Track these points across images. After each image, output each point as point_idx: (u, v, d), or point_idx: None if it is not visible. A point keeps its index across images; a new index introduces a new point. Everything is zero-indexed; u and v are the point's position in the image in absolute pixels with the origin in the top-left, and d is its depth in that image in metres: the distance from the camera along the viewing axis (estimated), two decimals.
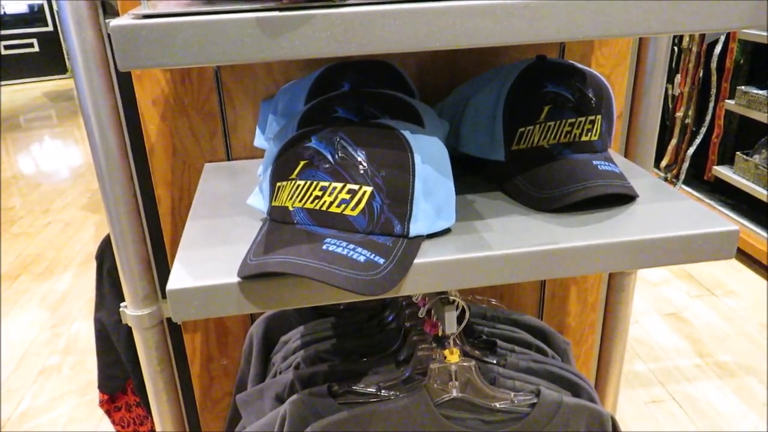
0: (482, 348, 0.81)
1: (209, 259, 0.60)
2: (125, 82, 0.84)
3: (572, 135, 0.70)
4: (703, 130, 2.93)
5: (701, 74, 2.91)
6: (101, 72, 0.75)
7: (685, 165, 3.02)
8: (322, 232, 0.57)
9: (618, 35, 0.54)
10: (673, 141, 3.09)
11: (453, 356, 0.69)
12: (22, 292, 2.66)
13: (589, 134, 0.71)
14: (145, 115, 0.84)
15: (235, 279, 0.55)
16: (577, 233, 0.62)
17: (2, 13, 6.48)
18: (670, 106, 3.10)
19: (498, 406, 0.72)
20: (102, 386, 1.23)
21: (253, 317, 0.99)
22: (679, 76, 3.01)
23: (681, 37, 3.00)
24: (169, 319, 0.95)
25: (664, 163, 3.15)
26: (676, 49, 3.04)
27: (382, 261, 0.54)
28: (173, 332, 1.01)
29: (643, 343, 2.21)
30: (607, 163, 0.70)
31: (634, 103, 0.98)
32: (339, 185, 0.56)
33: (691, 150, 2.99)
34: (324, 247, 0.54)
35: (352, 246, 0.55)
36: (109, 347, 1.19)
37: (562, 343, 0.90)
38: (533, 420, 0.72)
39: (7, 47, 6.46)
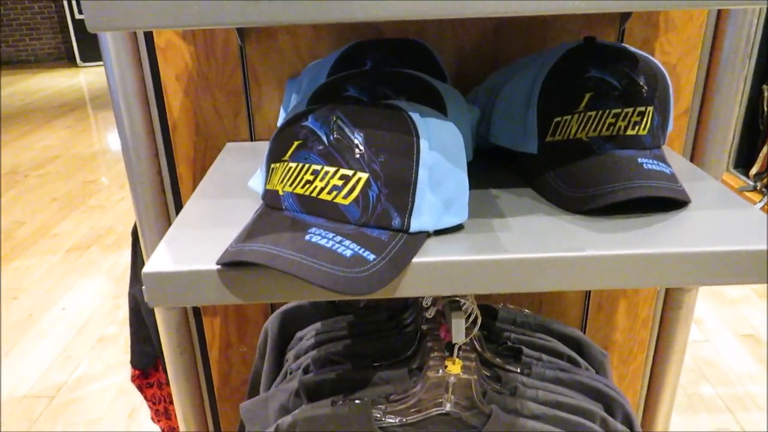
0: (506, 355, 0.73)
1: (197, 243, 0.56)
2: (153, 60, 0.81)
3: (616, 128, 0.62)
4: None
5: None
6: (128, 47, 0.74)
7: None
8: (309, 220, 0.51)
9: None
10: (765, 148, 2.83)
11: (454, 367, 0.62)
12: (91, 262, 2.77)
13: (637, 128, 0.62)
14: (169, 90, 0.82)
15: (214, 266, 0.51)
16: (607, 240, 0.54)
17: None
18: (765, 109, 2.84)
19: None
20: (134, 362, 1.24)
21: (273, 307, 0.95)
22: None
23: None
24: None
25: (754, 171, 2.89)
26: None
27: (372, 257, 0.48)
28: (196, 316, 0.99)
29: (712, 365, 2.03)
30: (655, 162, 0.61)
31: (705, 98, 0.87)
32: (332, 170, 0.51)
33: None
34: (307, 237, 0.49)
35: (339, 238, 0.49)
36: (141, 323, 1.19)
37: (599, 354, 0.80)
38: None
39: None
